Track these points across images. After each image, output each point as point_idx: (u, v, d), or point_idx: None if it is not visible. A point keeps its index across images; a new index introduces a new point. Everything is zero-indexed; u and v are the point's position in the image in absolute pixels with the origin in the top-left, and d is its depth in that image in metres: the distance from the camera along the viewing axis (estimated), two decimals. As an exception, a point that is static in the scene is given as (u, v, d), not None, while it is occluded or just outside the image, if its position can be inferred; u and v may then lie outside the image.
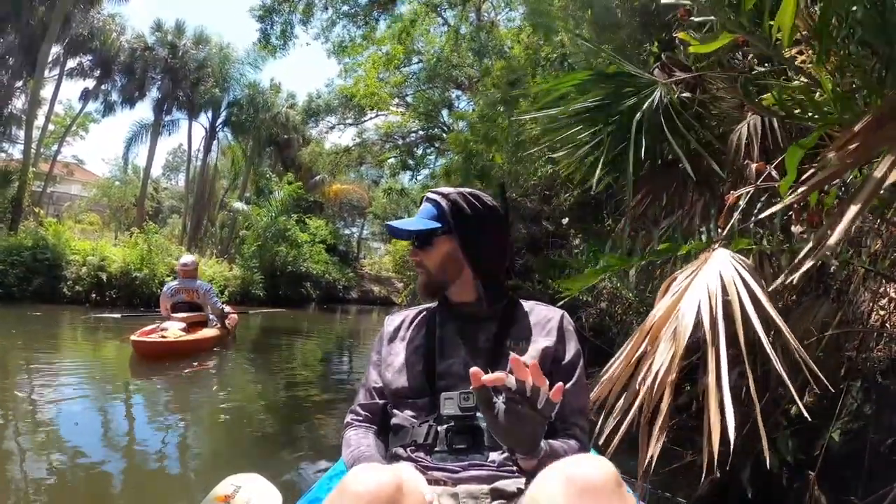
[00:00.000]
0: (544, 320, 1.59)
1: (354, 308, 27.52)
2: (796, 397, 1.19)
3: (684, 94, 2.43)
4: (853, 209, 0.97)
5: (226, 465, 3.61)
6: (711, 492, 2.74)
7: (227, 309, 9.18)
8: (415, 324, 1.68)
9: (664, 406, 1.17)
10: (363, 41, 19.43)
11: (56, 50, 23.25)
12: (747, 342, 1.20)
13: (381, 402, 1.62)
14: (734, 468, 2.42)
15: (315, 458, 4.16)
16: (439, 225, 1.56)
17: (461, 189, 1.62)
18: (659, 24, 2.55)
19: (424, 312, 1.71)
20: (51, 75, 24.44)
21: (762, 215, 1.59)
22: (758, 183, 1.97)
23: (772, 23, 1.55)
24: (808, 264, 1.05)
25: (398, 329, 1.69)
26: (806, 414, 1.38)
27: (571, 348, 1.55)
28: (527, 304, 1.65)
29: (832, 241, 1.01)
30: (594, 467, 1.00)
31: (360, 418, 1.63)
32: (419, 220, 1.59)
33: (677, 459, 3.07)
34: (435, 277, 1.60)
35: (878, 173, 1.01)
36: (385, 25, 19.30)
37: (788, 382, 1.15)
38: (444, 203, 1.58)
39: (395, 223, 1.60)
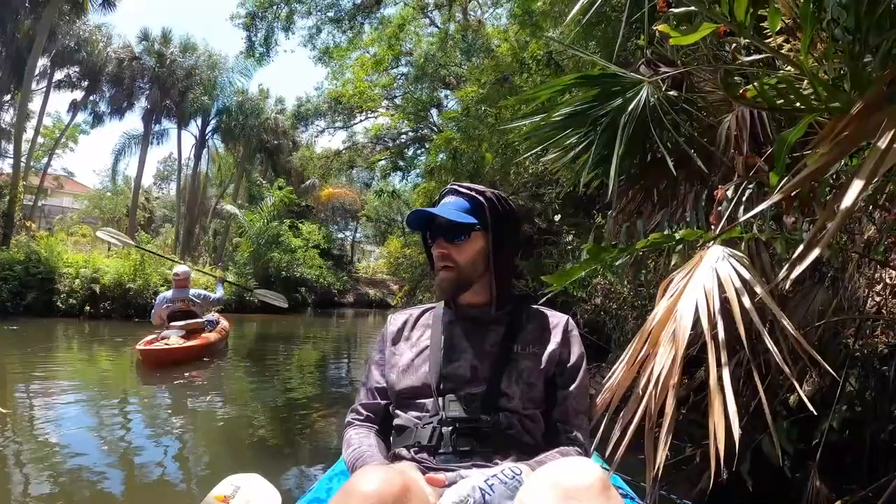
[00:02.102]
0: (550, 325, 1.60)
1: (351, 312, 27.55)
2: (797, 387, 1.18)
3: (671, 92, 2.42)
4: (856, 186, 0.96)
5: (226, 466, 3.65)
6: (712, 485, 2.74)
7: (219, 318, 9.35)
8: (419, 324, 1.68)
9: (668, 410, 1.15)
10: (349, 45, 19.41)
11: (43, 62, 23.14)
12: (745, 334, 1.19)
13: (382, 402, 1.62)
14: (734, 461, 2.41)
15: (314, 458, 4.19)
16: (476, 221, 1.54)
17: (490, 189, 1.61)
18: (645, 18, 2.53)
19: (429, 312, 1.70)
20: (38, 88, 24.35)
21: (751, 213, 1.57)
22: (749, 176, 1.96)
23: (757, 10, 1.54)
24: (811, 257, 1.04)
25: (402, 329, 1.68)
26: (809, 405, 1.36)
27: (575, 352, 1.57)
28: (532, 309, 1.65)
29: (833, 227, 0.99)
30: (579, 471, 1.01)
31: (362, 418, 1.62)
32: (456, 212, 1.55)
33: (676, 453, 3.06)
34: (464, 274, 1.56)
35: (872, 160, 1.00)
36: (370, 29, 19.30)
37: (789, 372, 1.14)
38: (481, 199, 1.55)
39: (432, 209, 1.56)
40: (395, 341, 1.66)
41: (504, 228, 1.56)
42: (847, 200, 0.95)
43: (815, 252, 1.02)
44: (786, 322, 1.16)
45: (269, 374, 8.36)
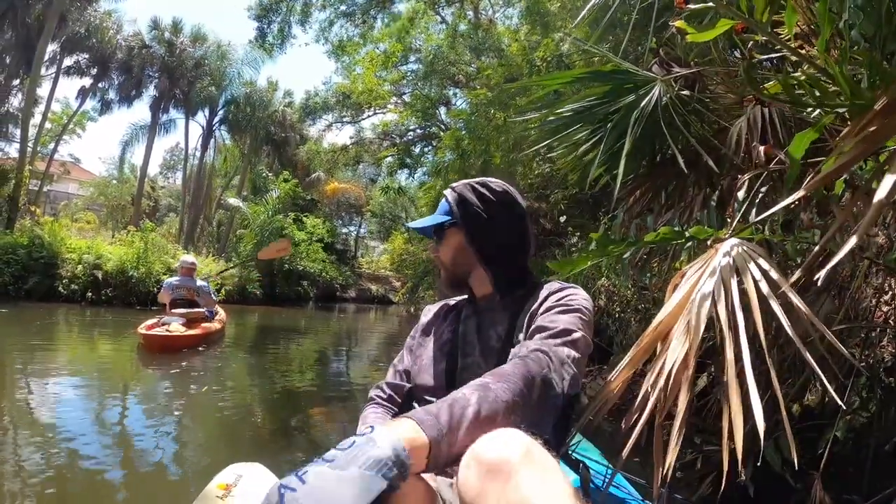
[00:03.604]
0: (538, 300, 1.47)
1: (352, 307, 27.51)
2: (827, 386, 1.15)
3: (683, 92, 2.40)
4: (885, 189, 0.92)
5: (226, 455, 3.67)
6: (713, 491, 2.71)
7: (217, 308, 9.64)
8: (448, 318, 1.69)
9: (681, 406, 1.11)
10: (361, 40, 19.41)
11: (53, 48, 23.15)
12: (755, 335, 1.15)
13: (407, 384, 1.64)
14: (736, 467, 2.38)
15: (315, 448, 4.20)
16: (447, 218, 1.56)
17: (470, 180, 1.60)
18: (657, 19, 2.51)
19: (458, 305, 1.71)
20: (48, 73, 24.37)
21: (770, 212, 1.53)
22: (769, 166, 1.93)
23: (775, 8, 1.51)
24: (838, 257, 1.00)
25: (432, 322, 1.71)
26: (837, 399, 1.33)
27: (549, 302, 1.44)
28: (545, 286, 1.53)
29: (856, 237, 0.96)
30: (497, 444, 0.97)
31: (384, 396, 1.64)
32: (434, 216, 1.60)
33: (678, 458, 3.03)
34: (451, 271, 1.61)
35: None
36: (382, 24, 19.31)
37: (819, 371, 1.11)
38: (450, 196, 1.57)
39: (411, 223, 1.67)
40: (425, 333, 1.70)
41: (479, 216, 1.53)
42: (881, 192, 0.91)
43: (846, 249, 0.98)
44: (813, 319, 1.12)
45: (270, 364, 8.40)
